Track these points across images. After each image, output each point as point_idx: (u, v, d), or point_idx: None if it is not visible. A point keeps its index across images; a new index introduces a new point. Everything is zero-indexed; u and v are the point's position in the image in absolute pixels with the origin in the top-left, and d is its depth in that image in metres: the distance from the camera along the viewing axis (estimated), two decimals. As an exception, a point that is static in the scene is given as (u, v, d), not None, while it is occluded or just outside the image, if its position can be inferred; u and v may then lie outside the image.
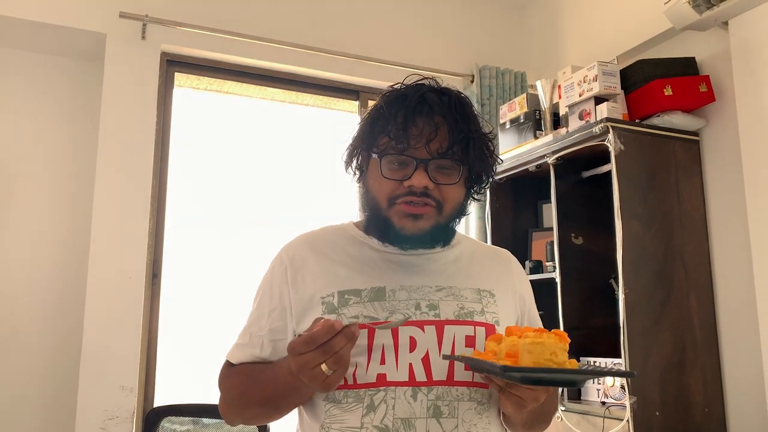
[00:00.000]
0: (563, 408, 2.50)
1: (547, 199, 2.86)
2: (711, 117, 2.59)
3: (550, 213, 2.77)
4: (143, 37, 2.91)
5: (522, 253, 3.10)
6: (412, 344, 1.08)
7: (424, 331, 1.09)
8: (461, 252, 1.24)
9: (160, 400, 2.83)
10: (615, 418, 2.29)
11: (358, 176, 1.20)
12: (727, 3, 2.30)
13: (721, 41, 2.53)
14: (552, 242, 2.74)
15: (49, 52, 3.04)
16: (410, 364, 1.07)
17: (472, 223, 3.23)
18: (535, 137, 2.88)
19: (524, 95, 3.01)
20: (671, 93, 2.49)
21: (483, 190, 1.22)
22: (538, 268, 2.89)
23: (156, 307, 2.91)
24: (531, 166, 2.86)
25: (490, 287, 1.20)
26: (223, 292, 3.07)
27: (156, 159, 2.95)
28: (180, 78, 3.15)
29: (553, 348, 0.96)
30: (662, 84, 2.50)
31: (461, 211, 1.18)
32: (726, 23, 2.45)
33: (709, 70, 2.60)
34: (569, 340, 0.99)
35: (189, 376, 2.97)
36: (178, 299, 3.00)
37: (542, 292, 2.68)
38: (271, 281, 1.19)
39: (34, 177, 2.97)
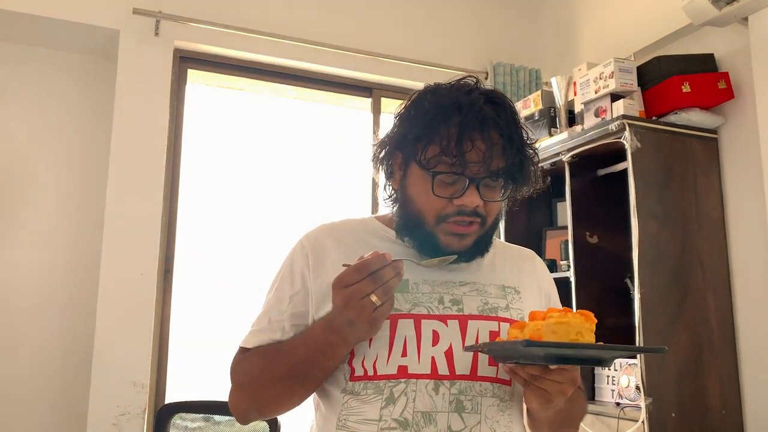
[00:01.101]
0: (577, 408, 2.47)
1: (562, 197, 2.83)
2: (729, 114, 2.55)
3: (565, 211, 2.74)
4: (156, 34, 2.91)
5: (536, 252, 3.06)
6: (435, 337, 1.07)
7: (447, 325, 1.08)
8: None
9: (171, 397, 2.84)
10: (630, 419, 2.26)
11: (389, 176, 1.16)
12: (747, -2, 2.27)
13: (741, 37, 2.48)
14: (566, 241, 2.71)
15: (62, 48, 3.05)
16: (433, 357, 1.05)
17: (486, 221, 3.21)
18: (550, 134, 2.85)
19: (539, 92, 2.98)
20: (689, 90, 2.46)
21: (521, 199, 1.20)
22: (552, 267, 2.86)
23: (168, 303, 2.91)
24: (546, 164, 2.83)
25: (515, 284, 1.19)
26: (235, 288, 3.07)
27: (168, 155, 2.95)
28: (193, 74, 3.15)
29: (578, 327, 0.93)
30: (680, 81, 2.46)
31: (498, 220, 1.17)
32: (746, 19, 2.41)
33: (728, 67, 2.55)
34: (596, 320, 0.96)
35: (201, 373, 2.98)
36: (190, 295, 3.00)
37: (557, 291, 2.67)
38: (292, 266, 1.16)
39: (47, 173, 2.98)
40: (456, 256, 1.09)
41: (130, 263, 2.76)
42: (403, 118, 1.14)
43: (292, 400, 1.11)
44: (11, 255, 2.86)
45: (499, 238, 3.09)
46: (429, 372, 1.05)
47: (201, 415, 2.17)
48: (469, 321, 1.09)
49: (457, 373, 1.06)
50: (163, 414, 2.13)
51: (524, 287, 1.20)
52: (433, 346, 1.06)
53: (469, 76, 1.15)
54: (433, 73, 3.31)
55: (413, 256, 1.13)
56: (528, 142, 1.13)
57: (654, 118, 2.52)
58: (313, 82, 3.33)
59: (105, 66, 3.05)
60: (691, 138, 2.52)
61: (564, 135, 2.73)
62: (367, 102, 3.44)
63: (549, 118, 2.89)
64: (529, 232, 3.14)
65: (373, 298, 0.94)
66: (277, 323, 1.13)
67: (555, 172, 2.83)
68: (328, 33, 3.20)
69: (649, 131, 2.43)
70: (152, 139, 2.88)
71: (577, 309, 2.52)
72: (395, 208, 1.17)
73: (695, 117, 2.50)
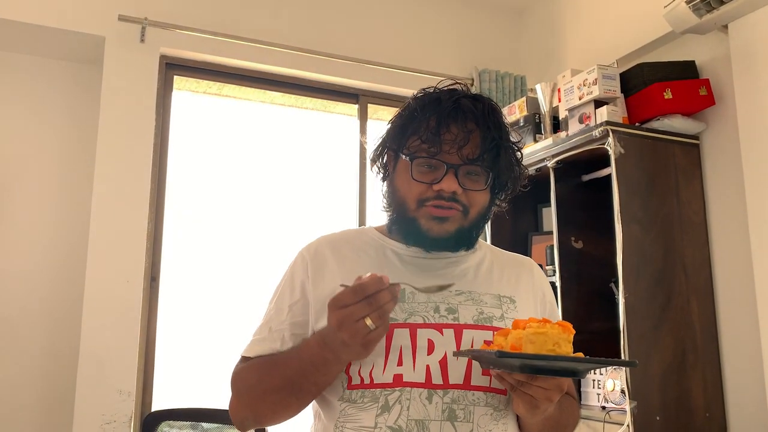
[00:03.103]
0: (563, 412, 2.48)
1: (547, 203, 2.85)
2: (711, 120, 2.58)
3: (550, 217, 2.76)
4: (142, 40, 2.91)
5: (522, 257, 3.09)
6: (430, 347, 1.08)
7: (442, 334, 1.09)
8: (482, 258, 1.24)
9: (158, 405, 2.82)
10: (615, 423, 2.28)
11: (383, 175, 1.21)
12: (726, 6, 2.30)
13: (721, 45, 2.52)
14: (552, 246, 2.73)
15: (48, 55, 3.04)
16: (427, 366, 1.07)
17: (472, 227, 3.22)
18: (535, 141, 2.87)
19: (524, 99, 3.01)
20: (671, 96, 2.49)
21: (508, 198, 1.23)
22: (537, 271, 2.88)
23: (154, 311, 2.89)
24: (531, 170, 2.84)
25: (511, 293, 1.20)
26: (221, 296, 3.06)
27: (155, 162, 2.94)
28: (179, 81, 3.14)
29: (556, 338, 0.94)
30: (662, 87, 2.49)
31: (485, 217, 1.19)
32: (726, 27, 2.45)
33: (709, 74, 2.59)
34: (574, 332, 0.97)
35: (187, 380, 2.96)
36: (176, 303, 2.99)
37: (542, 295, 2.68)
38: (293, 276, 1.19)
39: (33, 180, 2.96)
40: (454, 283, 1.12)
41: (116, 271, 2.74)
42: (392, 120, 1.20)
43: (287, 411, 1.13)
44: (-5, 263, 2.84)
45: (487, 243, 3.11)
46: (423, 381, 1.06)
47: (188, 423, 2.16)
48: (464, 330, 1.10)
49: (450, 383, 1.07)
50: (149, 422, 2.12)
51: (520, 296, 1.21)
52: (428, 355, 1.07)
53: (458, 83, 1.20)
54: (419, 80, 3.33)
55: (408, 263, 1.16)
56: (510, 137, 1.16)
57: (637, 124, 2.55)
58: (300, 89, 3.34)
59: (90, 73, 3.04)
60: (674, 144, 2.55)
61: (549, 141, 2.75)
62: (354, 108, 3.45)
63: (534, 125, 2.92)
64: (515, 238, 3.16)
65: (368, 321, 0.94)
66: (277, 333, 1.15)
67: (540, 178, 2.85)
68: (315, 40, 3.21)
69: (632, 137, 2.45)
70: (138, 145, 2.87)
71: (562, 314, 2.55)
72: (388, 205, 1.20)
73: (677, 123, 2.53)
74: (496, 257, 1.27)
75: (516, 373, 0.97)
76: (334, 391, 1.10)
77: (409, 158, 1.13)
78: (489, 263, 1.23)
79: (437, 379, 1.06)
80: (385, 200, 1.21)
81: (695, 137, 2.60)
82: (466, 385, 1.08)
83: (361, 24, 3.40)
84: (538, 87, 2.91)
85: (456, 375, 1.07)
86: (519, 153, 1.19)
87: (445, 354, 1.07)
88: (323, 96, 3.40)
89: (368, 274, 0.97)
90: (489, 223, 3.35)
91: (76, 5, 2.85)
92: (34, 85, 3.02)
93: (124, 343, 2.71)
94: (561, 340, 0.95)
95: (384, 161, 1.20)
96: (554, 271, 2.66)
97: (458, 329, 1.10)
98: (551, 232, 2.72)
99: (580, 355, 0.96)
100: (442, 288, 1.06)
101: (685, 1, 2.36)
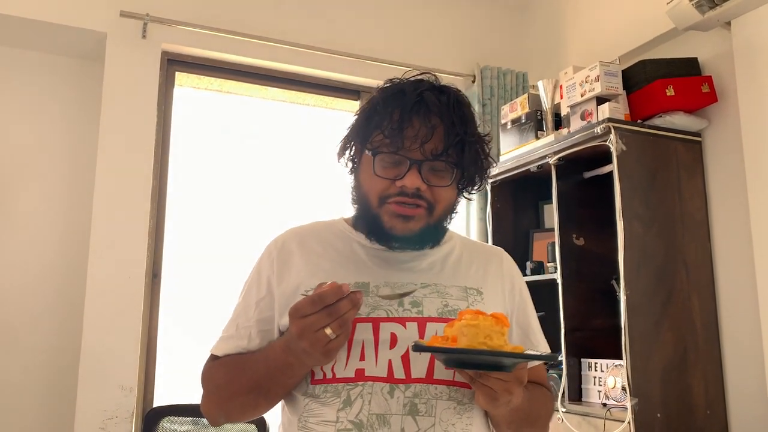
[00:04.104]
0: (564, 409, 2.49)
1: (549, 200, 2.85)
2: (713, 118, 2.58)
3: (552, 213, 2.76)
4: (144, 37, 2.91)
5: (523, 254, 3.09)
6: (393, 341, 1.07)
7: (405, 327, 1.08)
8: (451, 249, 1.23)
9: (159, 400, 2.83)
10: (616, 420, 2.28)
11: (350, 169, 1.19)
12: (729, 3, 2.30)
13: (724, 42, 2.52)
14: (553, 243, 2.73)
15: (50, 51, 3.04)
16: (389, 361, 1.06)
17: (473, 224, 3.22)
18: (537, 137, 2.87)
19: (526, 95, 3.00)
20: (673, 93, 2.49)
21: (475, 192, 1.21)
22: (539, 269, 2.88)
23: (156, 307, 2.90)
24: (532, 167, 2.85)
25: (478, 285, 1.19)
26: (222, 292, 3.06)
27: (156, 159, 2.94)
28: (180, 77, 3.14)
29: (487, 331, 0.94)
30: (664, 84, 2.49)
31: (451, 212, 1.17)
32: (728, 23, 2.45)
33: (711, 71, 2.59)
34: (508, 325, 0.97)
35: (188, 376, 2.96)
36: (177, 299, 2.99)
37: (543, 293, 2.68)
38: (259, 272, 1.18)
39: (34, 176, 2.96)
40: (416, 289, 1.10)
41: (118, 267, 2.75)
42: (357, 113, 1.18)
43: (257, 410, 1.14)
44: (-3, 259, 2.85)
45: (487, 240, 3.11)
46: (385, 375, 1.05)
47: (189, 418, 2.17)
48: (428, 323, 1.09)
49: (413, 377, 1.06)
50: (150, 417, 2.13)
51: (488, 288, 1.19)
52: (390, 349, 1.07)
53: (425, 73, 1.17)
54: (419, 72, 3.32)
55: (374, 256, 1.15)
56: (474, 130, 1.13)
57: (639, 121, 2.55)
58: (302, 85, 3.33)
59: (92, 69, 3.03)
60: (676, 141, 2.54)
61: (550, 138, 2.75)
62: (355, 104, 3.45)
63: (536, 121, 2.91)
64: (516, 234, 3.16)
65: (328, 331, 0.94)
66: (244, 330, 1.15)
67: (542, 175, 2.85)
68: (317, 36, 3.21)
69: (634, 134, 2.45)
70: (140, 142, 2.87)
71: (563, 311, 2.55)
72: (353, 199, 1.19)
73: (679, 120, 2.53)
74: (466, 248, 1.25)
75: (451, 366, 0.97)
76: (299, 387, 1.10)
77: (372, 153, 1.11)
78: (458, 254, 1.22)
79: (399, 373, 1.06)
80: (352, 194, 1.20)
81: (697, 134, 2.60)
82: (429, 379, 1.07)
83: (363, 20, 3.39)
84: (540, 84, 2.91)
85: (418, 369, 1.07)
86: (486, 146, 1.17)
87: (408, 348, 1.07)
88: (325, 92, 3.40)
89: (329, 283, 0.95)
90: (490, 220, 3.36)
91: (78, 1, 2.85)
92: (35, 81, 3.02)
93: (126, 339, 2.71)
94: (493, 333, 0.94)
95: (351, 155, 1.18)
96: (556, 268, 2.66)
97: (422, 322, 1.09)
98: (553, 229, 2.72)
99: (520, 348, 0.97)
100: (403, 295, 1.06)
101: (688, -2, 2.35)
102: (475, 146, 1.13)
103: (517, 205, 3.19)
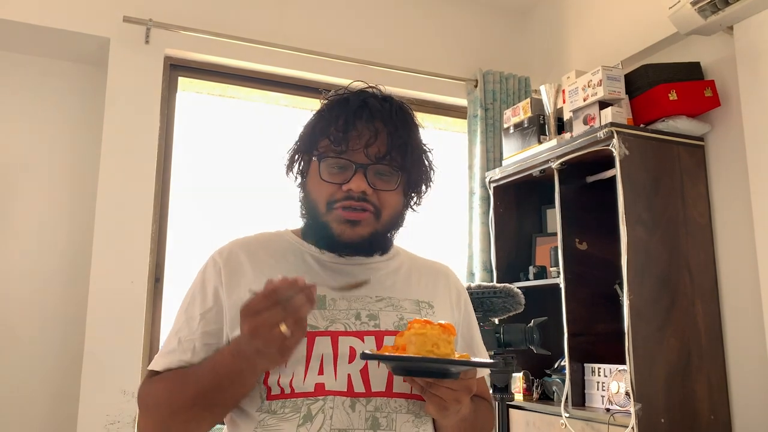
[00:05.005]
0: (567, 415, 2.48)
1: (551, 204, 2.85)
2: (716, 122, 2.58)
3: (554, 218, 2.76)
4: (147, 42, 2.91)
5: (526, 259, 3.09)
6: (352, 355, 1.06)
7: (363, 341, 1.08)
8: (400, 264, 1.24)
9: (162, 405, 2.82)
10: (620, 425, 2.27)
11: (299, 180, 1.20)
12: (732, 8, 2.30)
13: (726, 46, 2.52)
14: (556, 248, 2.72)
15: (53, 56, 3.05)
16: (349, 375, 1.05)
17: (476, 228, 3.21)
18: (539, 142, 2.87)
19: (528, 100, 3.01)
20: (676, 98, 2.49)
21: (421, 201, 1.22)
22: (542, 273, 2.88)
23: (158, 312, 2.90)
24: (535, 171, 2.85)
25: (429, 299, 1.20)
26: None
27: (159, 163, 2.94)
28: (183, 82, 3.15)
29: (435, 339, 0.95)
30: (667, 89, 2.49)
31: (399, 220, 1.18)
32: (731, 28, 2.45)
33: (714, 75, 2.59)
34: (455, 333, 0.99)
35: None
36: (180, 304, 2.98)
37: (546, 297, 2.68)
38: (204, 283, 1.14)
39: (38, 180, 2.97)
40: (369, 280, 1.11)
41: (121, 271, 2.75)
42: (304, 124, 1.21)
43: (200, 427, 1.08)
44: (0, 263, 2.85)
45: (490, 245, 3.10)
46: (346, 389, 1.04)
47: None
48: (385, 337, 1.09)
49: (372, 390, 1.05)
50: (153, 422, 2.12)
51: (438, 301, 1.21)
52: (349, 363, 1.06)
53: (371, 87, 1.19)
54: (423, 81, 3.33)
55: (327, 268, 1.15)
56: (417, 136, 1.16)
57: (642, 125, 2.54)
58: (304, 90, 3.34)
59: (95, 74, 3.04)
60: (678, 145, 2.54)
61: (553, 142, 2.75)
62: (357, 109, 3.44)
63: (538, 126, 2.91)
64: (519, 239, 3.16)
65: (283, 328, 0.89)
66: (187, 343, 1.10)
67: (544, 179, 2.85)
68: (319, 41, 3.22)
69: (637, 138, 2.45)
70: (143, 147, 2.88)
71: (566, 315, 2.55)
72: (302, 210, 1.20)
73: (682, 124, 2.53)
74: (414, 263, 1.26)
75: (399, 374, 0.98)
76: (252, 403, 1.05)
77: (318, 159, 1.13)
78: (407, 269, 1.23)
79: (359, 387, 1.05)
80: (300, 205, 1.20)
81: (700, 138, 2.60)
82: (388, 392, 1.06)
83: (365, 25, 3.40)
84: (542, 88, 2.91)
85: (378, 382, 1.06)
86: (429, 153, 1.19)
87: (366, 362, 1.06)
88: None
89: (279, 277, 0.91)
90: (493, 224, 3.35)
91: (81, 7, 2.86)
92: (38, 86, 3.03)
93: (128, 344, 2.71)
94: (440, 341, 0.96)
95: (300, 166, 1.20)
96: (558, 272, 2.65)
97: (379, 336, 1.09)
98: (555, 234, 2.71)
99: (466, 356, 0.99)
100: (356, 286, 1.06)
101: (690, 3, 2.35)
102: (419, 151, 1.16)
103: (519, 210, 3.18)
